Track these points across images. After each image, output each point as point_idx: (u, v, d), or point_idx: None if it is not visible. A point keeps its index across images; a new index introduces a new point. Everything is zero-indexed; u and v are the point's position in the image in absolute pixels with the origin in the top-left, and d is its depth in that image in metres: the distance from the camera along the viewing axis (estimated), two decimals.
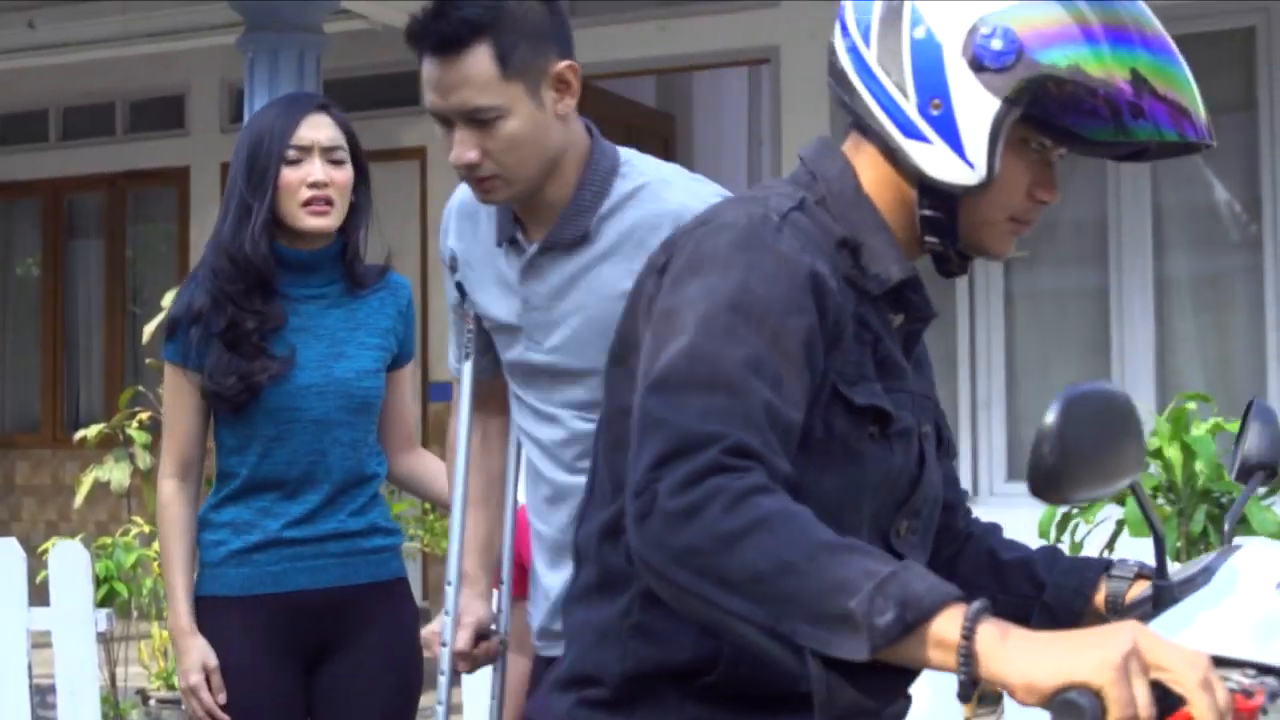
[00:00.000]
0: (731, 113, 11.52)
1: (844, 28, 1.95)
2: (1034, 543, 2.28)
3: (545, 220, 2.71)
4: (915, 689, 1.95)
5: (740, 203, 1.91)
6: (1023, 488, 3.27)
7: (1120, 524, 5.14)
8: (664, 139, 10.60)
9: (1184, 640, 1.65)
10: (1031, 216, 1.95)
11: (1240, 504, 2.10)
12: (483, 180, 2.63)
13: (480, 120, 2.58)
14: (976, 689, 1.56)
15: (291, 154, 3.33)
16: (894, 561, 1.61)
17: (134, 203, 12.08)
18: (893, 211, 1.96)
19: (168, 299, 7.83)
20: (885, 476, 1.93)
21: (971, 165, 1.87)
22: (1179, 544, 5.09)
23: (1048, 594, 2.11)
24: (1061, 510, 5.12)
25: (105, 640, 6.48)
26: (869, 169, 1.97)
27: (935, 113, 1.87)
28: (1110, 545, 5.00)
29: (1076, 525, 5.11)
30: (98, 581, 6.67)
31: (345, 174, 3.40)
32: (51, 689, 5.89)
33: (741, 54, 9.45)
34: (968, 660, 1.54)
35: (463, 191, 2.86)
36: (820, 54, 7.41)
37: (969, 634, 1.55)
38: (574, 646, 1.98)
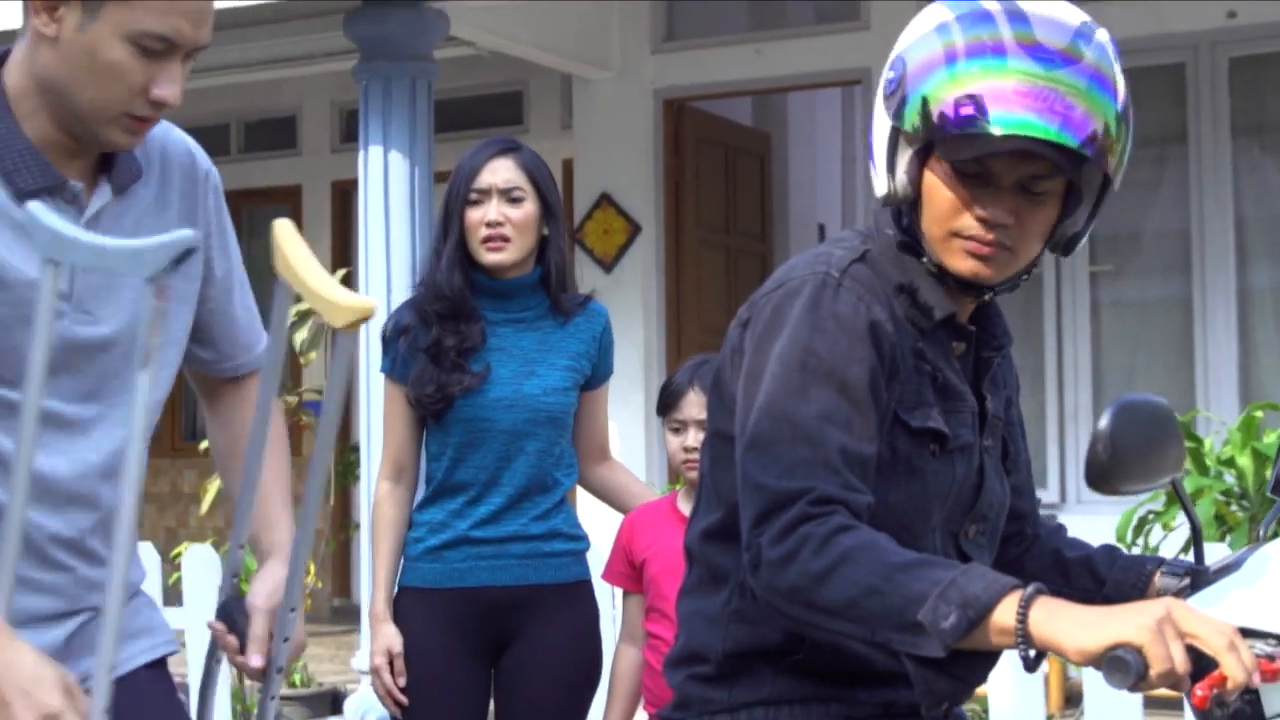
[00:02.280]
0: (825, 130, 11.70)
1: None
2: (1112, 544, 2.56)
3: (73, 159, 2.35)
4: (997, 689, 2.26)
5: (810, 262, 2.20)
6: (1108, 497, 3.57)
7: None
8: (760, 157, 10.74)
9: (1216, 614, 1.95)
10: (975, 231, 2.15)
11: (1272, 517, 2.40)
12: (147, 121, 2.31)
13: (191, 58, 2.29)
14: (1040, 661, 1.89)
15: (473, 196, 3.71)
16: (957, 566, 1.94)
17: (248, 220, 12.27)
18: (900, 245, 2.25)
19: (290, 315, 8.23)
20: (948, 487, 2.22)
21: (881, 178, 2.19)
22: (1250, 547, 5.31)
23: (1107, 588, 2.40)
24: (1138, 516, 5.36)
25: None
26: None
27: (870, 140, 2.21)
28: (1186, 549, 5.23)
29: (1151, 529, 5.33)
30: None
31: (522, 212, 3.73)
32: (184, 688, 6.20)
33: (834, 76, 9.64)
34: (1025, 638, 1.87)
35: None
36: None
37: (1023, 617, 1.87)
38: (684, 630, 2.30)
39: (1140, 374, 8.73)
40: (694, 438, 3.77)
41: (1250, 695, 2.05)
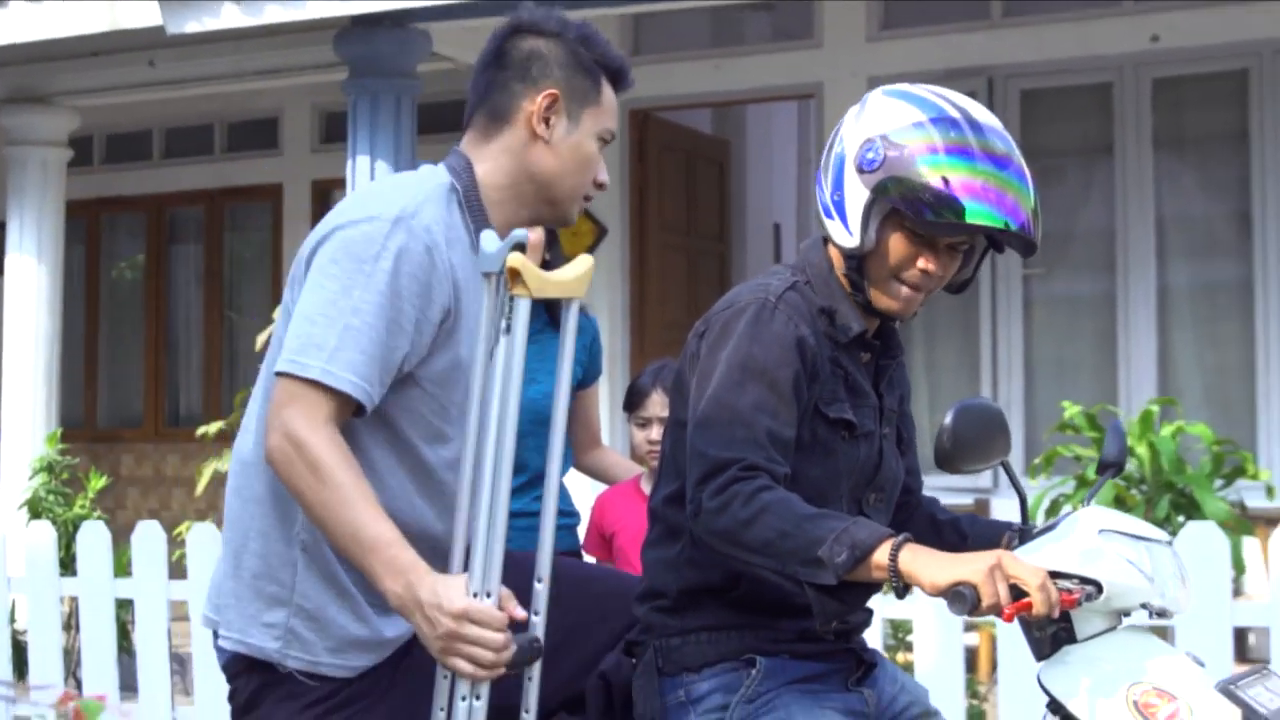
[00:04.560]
0: (781, 138, 12.21)
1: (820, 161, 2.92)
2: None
3: None
4: (922, 647, 2.91)
5: (753, 289, 2.86)
6: (1036, 481, 4.18)
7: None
8: (719, 163, 11.23)
9: (1033, 561, 2.63)
10: (917, 280, 2.84)
11: (1095, 490, 3.07)
12: (589, 200, 3.09)
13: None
14: (907, 591, 2.56)
15: None
16: (848, 518, 2.62)
17: (230, 217, 12.71)
18: (847, 280, 2.88)
19: (278, 312, 8.76)
20: (854, 464, 2.88)
21: (852, 234, 2.81)
22: None
23: (969, 544, 3.05)
24: (1050, 499, 5.99)
25: None
26: (838, 253, 2.89)
27: (836, 199, 2.83)
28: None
29: (1061, 508, 5.95)
30: None
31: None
32: (189, 657, 6.65)
33: (789, 90, 10.21)
34: (895, 573, 2.56)
35: (431, 210, 2.85)
36: (859, 91, 8.45)
37: (894, 557, 2.56)
38: (647, 573, 2.95)
39: (1068, 368, 9.33)
40: (657, 431, 4.41)
41: (1066, 621, 2.72)
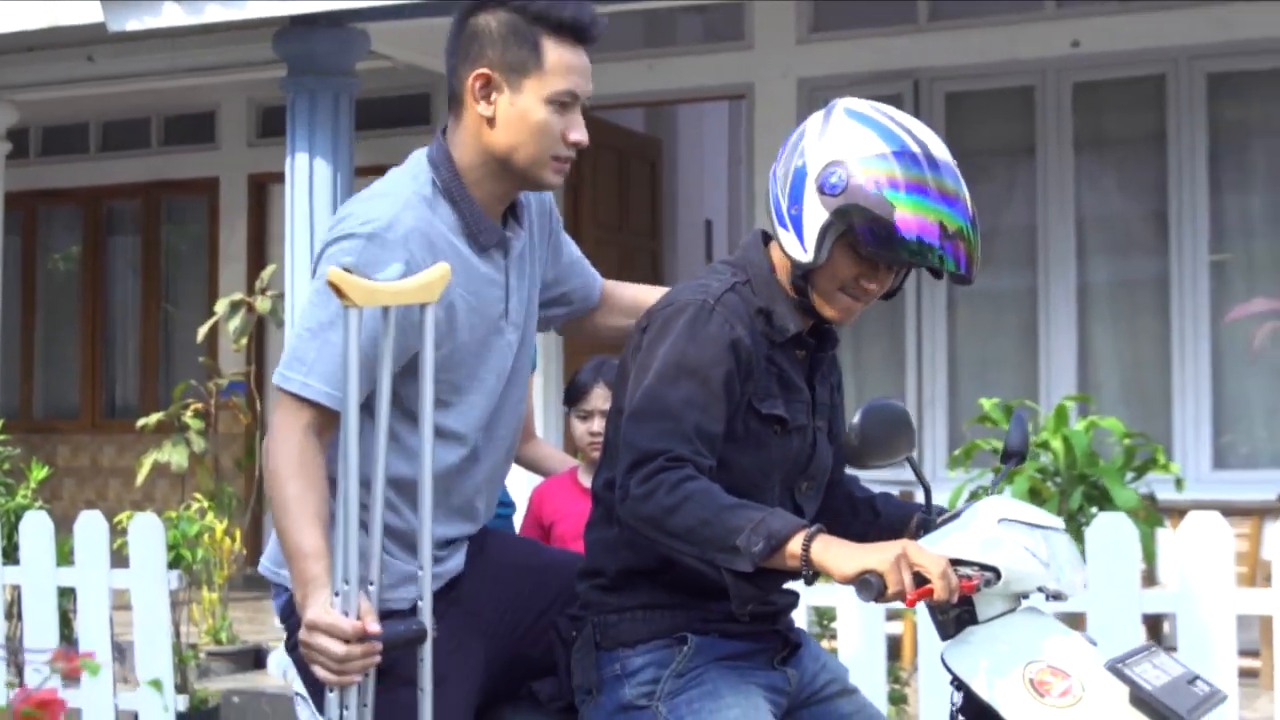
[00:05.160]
0: (713, 136, 12.35)
1: (777, 158, 3.05)
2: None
3: (498, 214, 3.10)
4: (846, 634, 3.08)
5: (693, 289, 3.00)
6: (956, 473, 4.32)
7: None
8: (651, 162, 11.38)
9: (936, 549, 2.82)
10: (859, 294, 3.00)
11: (999, 478, 3.27)
12: (568, 161, 3.05)
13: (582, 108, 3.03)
14: (816, 578, 2.74)
15: None
16: (765, 509, 2.79)
17: (167, 210, 12.77)
18: (790, 285, 3.03)
19: (221, 305, 8.89)
20: (785, 456, 3.05)
21: (806, 250, 2.96)
22: (1061, 517, 6.16)
23: (882, 520, 3.25)
24: (970, 490, 6.19)
25: (173, 599, 7.23)
26: (780, 255, 3.05)
27: (794, 213, 2.96)
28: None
29: (980, 498, 6.16)
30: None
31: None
32: (129, 646, 6.69)
33: (720, 90, 10.39)
34: (807, 562, 2.73)
35: (410, 218, 2.97)
36: (789, 91, 8.70)
37: (806, 547, 2.74)
38: (588, 553, 3.12)
39: (991, 363, 9.55)
40: (598, 424, 4.57)
41: (968, 604, 2.92)
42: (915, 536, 3.08)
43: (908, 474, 3.26)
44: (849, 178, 2.89)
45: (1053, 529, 2.97)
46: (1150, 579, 7.76)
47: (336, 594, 2.81)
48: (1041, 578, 2.90)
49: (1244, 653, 6.74)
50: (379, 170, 10.08)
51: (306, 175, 8.19)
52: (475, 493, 3.18)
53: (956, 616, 2.95)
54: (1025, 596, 2.99)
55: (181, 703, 6.83)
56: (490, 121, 3.00)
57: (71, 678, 2.07)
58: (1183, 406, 9.08)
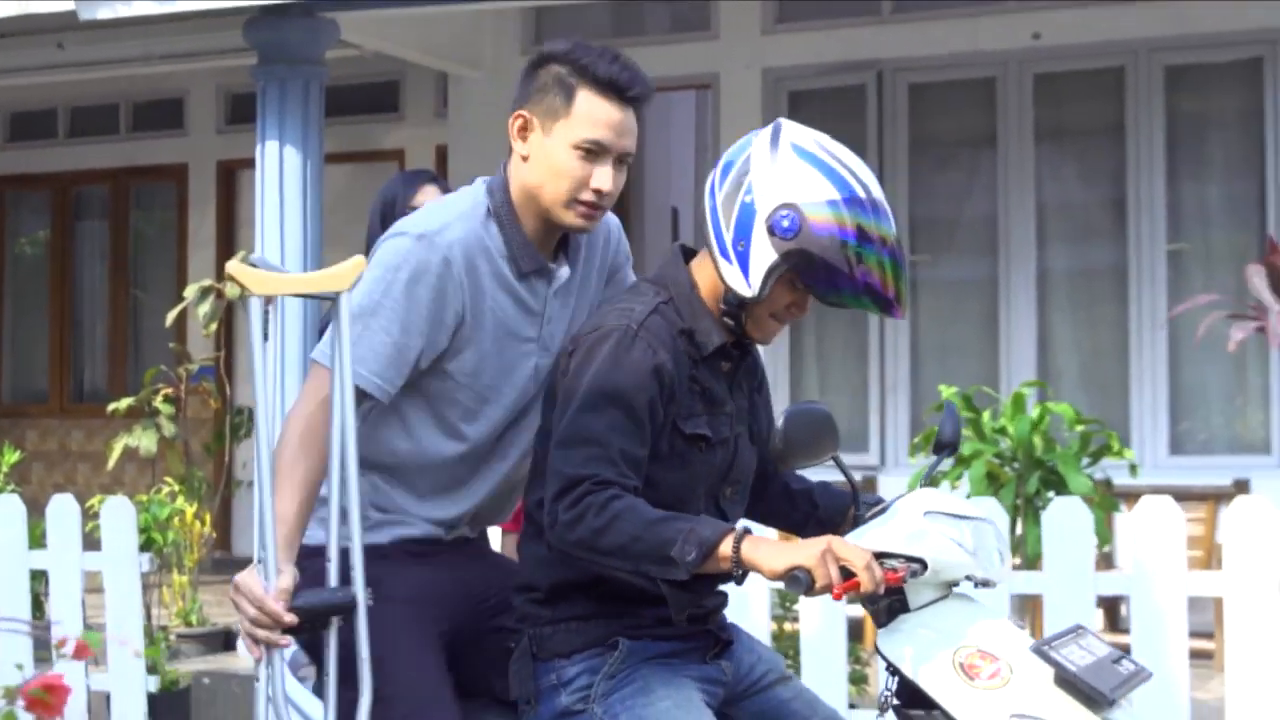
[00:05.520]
0: (680, 124, 12.39)
1: (712, 181, 3.13)
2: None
3: (548, 246, 3.33)
4: (807, 617, 3.19)
5: (618, 315, 3.08)
6: (916, 459, 4.35)
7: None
8: None
9: (862, 543, 2.95)
10: (786, 319, 3.13)
11: (931, 468, 3.39)
12: (599, 209, 3.22)
13: (623, 163, 3.23)
14: (745, 577, 2.89)
15: (409, 211, 4.35)
16: (692, 519, 2.92)
17: (136, 196, 12.83)
18: (715, 302, 3.13)
19: (190, 291, 8.96)
20: (709, 470, 3.16)
21: (750, 286, 3.05)
22: (1018, 501, 6.27)
23: (820, 512, 3.37)
24: (924, 479, 6.29)
25: (144, 582, 7.24)
26: (706, 271, 3.14)
27: (740, 249, 3.04)
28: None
29: (939, 483, 6.28)
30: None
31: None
32: (102, 628, 6.69)
33: (686, 80, 10.42)
34: (738, 563, 2.87)
35: (459, 229, 3.23)
36: (754, 82, 8.83)
37: (736, 549, 2.87)
38: (523, 568, 3.22)
39: (952, 350, 9.68)
40: None
41: (899, 593, 3.03)
42: (854, 524, 3.18)
43: (870, 459, 3.37)
44: (801, 222, 2.99)
45: (979, 519, 3.07)
46: (1109, 563, 7.92)
47: (260, 561, 3.00)
48: (968, 567, 3.02)
49: (1200, 634, 6.90)
50: (348, 157, 10.27)
51: (277, 163, 8.25)
52: (476, 491, 3.36)
53: (889, 605, 3.06)
54: (955, 585, 3.09)
55: (153, 684, 6.91)
56: (525, 159, 3.22)
57: (82, 658, 2.17)
58: (1140, 393, 9.23)
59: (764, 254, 3.03)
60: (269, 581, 2.97)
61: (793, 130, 3.12)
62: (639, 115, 3.25)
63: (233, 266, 3.02)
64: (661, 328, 3.09)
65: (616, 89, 3.18)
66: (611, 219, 3.46)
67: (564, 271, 3.33)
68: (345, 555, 3.11)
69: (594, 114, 3.16)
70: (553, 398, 3.13)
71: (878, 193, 3.06)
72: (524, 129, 3.22)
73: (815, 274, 3.01)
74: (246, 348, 7.05)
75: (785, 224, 3.00)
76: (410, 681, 3.19)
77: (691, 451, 3.11)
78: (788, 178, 3.03)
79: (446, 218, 3.25)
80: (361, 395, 3.14)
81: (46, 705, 2.08)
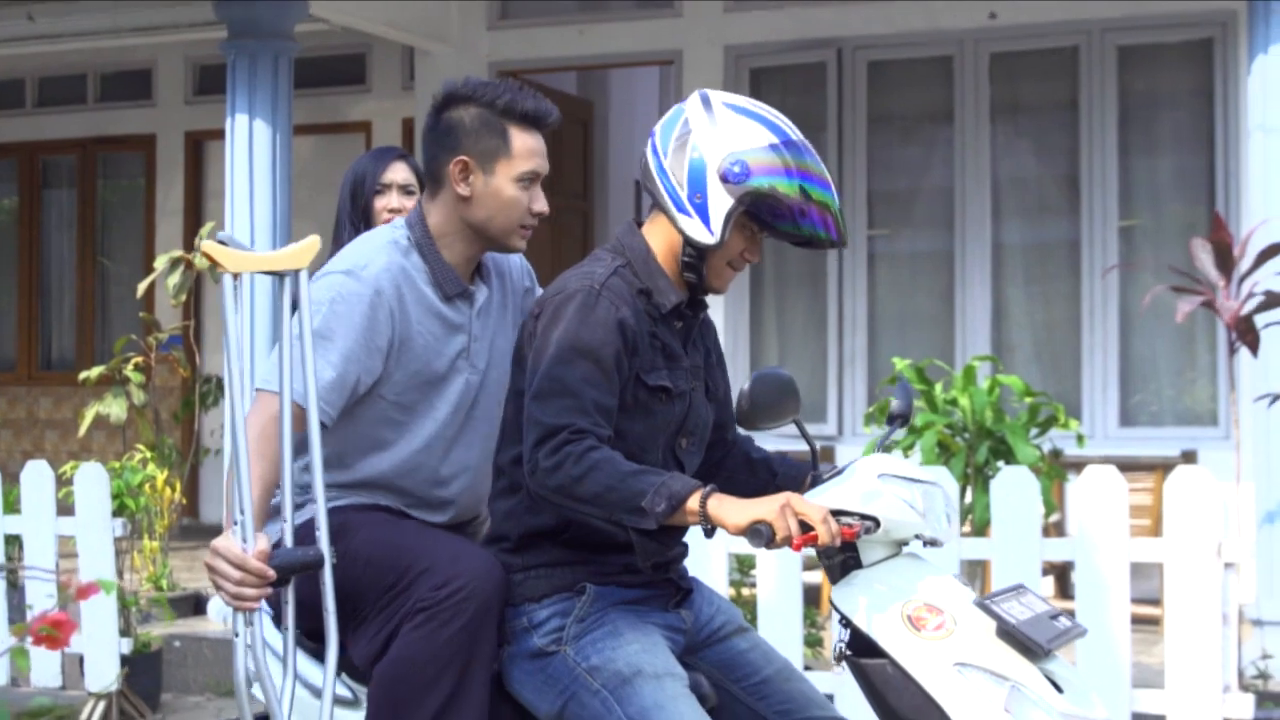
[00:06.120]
0: (644, 99, 12.50)
1: (654, 148, 3.34)
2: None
3: (468, 272, 3.65)
4: (764, 581, 3.38)
5: (579, 276, 3.31)
6: (871, 429, 4.54)
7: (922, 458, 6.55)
8: (583, 123, 11.57)
9: (820, 501, 3.15)
10: (740, 266, 3.37)
11: (884, 438, 3.60)
12: (532, 228, 3.58)
13: (541, 184, 3.58)
14: (714, 531, 3.09)
15: (379, 189, 4.64)
16: (666, 474, 3.11)
17: (103, 165, 12.88)
18: (670, 262, 3.35)
19: (160, 261, 9.07)
20: (670, 420, 3.37)
21: (712, 233, 3.26)
22: (969, 470, 6.47)
23: (779, 480, 3.57)
24: (878, 447, 6.47)
25: (116, 547, 7.33)
26: (659, 234, 3.35)
27: (697, 201, 3.26)
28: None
29: (892, 451, 6.46)
30: None
31: (414, 201, 4.37)
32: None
33: (649, 56, 10.61)
34: (705, 517, 3.07)
35: (382, 260, 3.54)
36: (716, 58, 8.99)
37: (704, 504, 3.07)
38: (493, 521, 3.44)
39: (909, 322, 9.86)
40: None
41: (853, 550, 3.25)
42: (814, 484, 3.37)
43: (828, 429, 3.57)
44: (750, 167, 3.22)
45: (928, 483, 3.29)
46: (1061, 531, 8.13)
47: (236, 523, 3.20)
48: (918, 526, 3.23)
49: (1147, 601, 7.11)
50: (314, 129, 10.38)
51: (246, 136, 8.37)
52: (434, 497, 3.64)
53: (843, 562, 3.28)
54: (905, 543, 3.30)
55: (126, 646, 7.05)
56: (467, 200, 3.52)
57: (83, 599, 2.40)
58: (1091, 366, 9.42)
59: (720, 201, 3.24)
60: (247, 544, 3.17)
61: (718, 94, 3.37)
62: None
63: (208, 245, 3.25)
64: (622, 288, 3.30)
65: (538, 121, 3.52)
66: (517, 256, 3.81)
67: (483, 293, 3.65)
68: (307, 525, 3.40)
69: (528, 147, 3.50)
70: (521, 360, 3.33)
71: (802, 135, 3.32)
72: (465, 173, 3.50)
73: (768, 211, 3.25)
74: (220, 320, 7.21)
75: (736, 170, 3.23)
76: (411, 536, 3.49)
77: (654, 402, 3.31)
78: (729, 131, 3.26)
79: (370, 253, 3.53)
80: (300, 418, 3.36)
81: (54, 639, 2.32)
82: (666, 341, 3.37)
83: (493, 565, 3.34)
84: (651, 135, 3.37)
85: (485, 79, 3.59)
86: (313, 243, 3.39)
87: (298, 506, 3.45)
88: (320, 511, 3.31)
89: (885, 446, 3.62)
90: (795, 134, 3.30)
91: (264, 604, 3.42)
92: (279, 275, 3.38)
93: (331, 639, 3.30)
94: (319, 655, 3.41)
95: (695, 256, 3.34)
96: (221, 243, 3.29)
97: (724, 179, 3.23)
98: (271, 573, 3.19)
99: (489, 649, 3.33)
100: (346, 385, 3.44)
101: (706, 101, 3.34)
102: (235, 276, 3.27)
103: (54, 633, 2.31)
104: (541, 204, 3.54)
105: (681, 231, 3.30)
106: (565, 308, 3.26)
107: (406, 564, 3.37)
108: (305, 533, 3.38)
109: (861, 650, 3.22)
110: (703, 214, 3.26)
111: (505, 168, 3.48)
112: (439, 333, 3.56)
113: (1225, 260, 6.46)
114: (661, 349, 3.35)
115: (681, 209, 3.28)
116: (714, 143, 3.25)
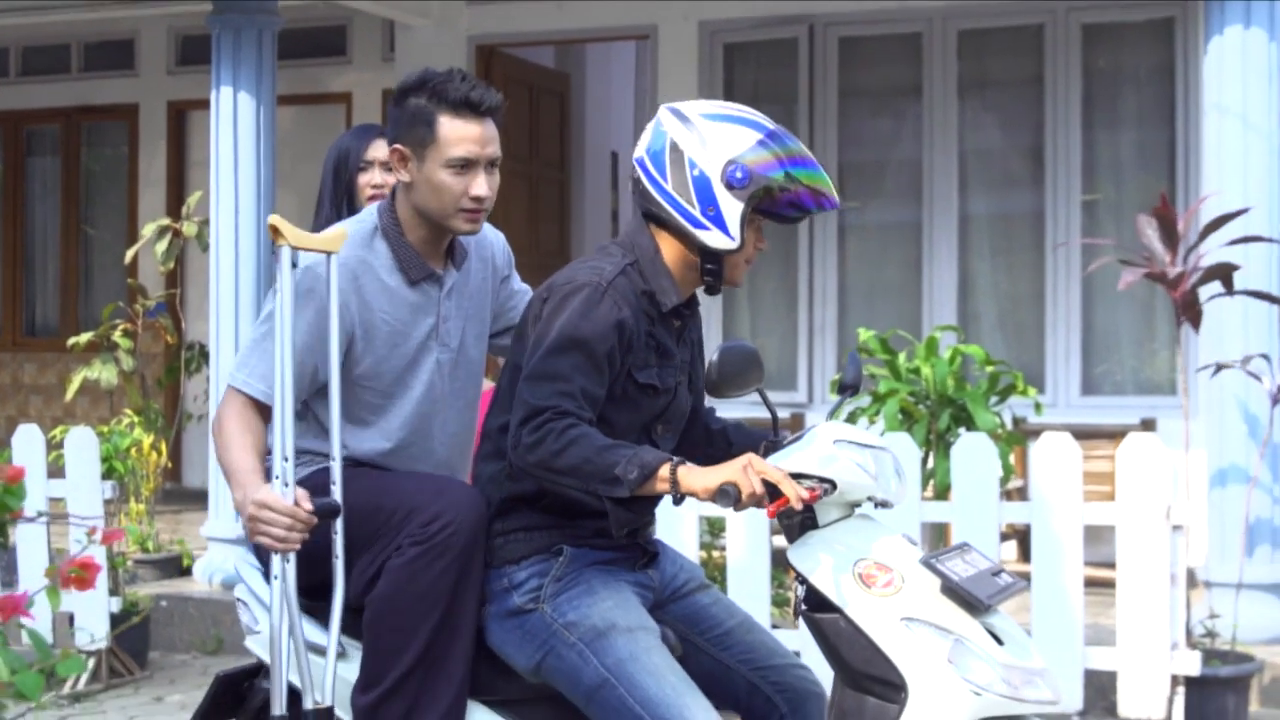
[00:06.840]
0: (620, 71, 12.70)
1: (648, 175, 3.52)
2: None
3: (437, 255, 3.79)
4: (734, 544, 3.63)
5: (589, 269, 3.50)
6: (837, 397, 4.75)
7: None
8: (560, 95, 11.70)
9: (781, 465, 3.35)
10: (753, 259, 3.56)
11: (835, 406, 3.85)
12: (481, 211, 3.67)
13: (493, 166, 3.66)
14: (683, 499, 3.30)
15: (363, 165, 4.74)
16: (639, 448, 3.32)
17: (87, 134, 12.99)
18: (676, 265, 3.54)
19: (148, 229, 9.26)
20: (652, 411, 3.58)
21: (732, 238, 3.46)
22: (931, 437, 6.67)
23: (735, 449, 3.75)
24: (847, 412, 6.70)
25: (105, 510, 7.55)
26: (666, 242, 3.54)
27: (711, 214, 3.46)
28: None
29: (858, 421, 6.66)
30: None
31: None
32: (64, 553, 6.98)
33: (626, 30, 10.78)
34: (675, 485, 3.27)
35: (347, 267, 3.69)
36: (690, 33, 9.22)
37: (674, 474, 3.28)
38: (477, 485, 3.64)
39: (877, 293, 10.07)
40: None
41: (809, 512, 3.46)
42: (774, 449, 3.60)
43: (799, 397, 3.79)
44: (750, 168, 3.42)
45: (880, 448, 3.50)
46: (1024, 497, 8.35)
47: (276, 476, 3.47)
48: (870, 489, 3.45)
49: (1105, 564, 7.33)
50: (295, 100, 10.53)
51: (231, 109, 8.51)
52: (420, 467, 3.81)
53: (799, 522, 3.49)
54: (858, 505, 3.52)
55: (115, 604, 7.27)
56: (410, 186, 3.69)
57: (111, 542, 2.65)
58: (1054, 336, 9.65)
59: (732, 207, 3.44)
60: (287, 493, 3.46)
61: (686, 106, 3.55)
62: (497, 123, 3.67)
63: (275, 219, 3.59)
64: (627, 288, 3.49)
65: (471, 107, 3.60)
66: (498, 237, 3.97)
67: (452, 275, 3.78)
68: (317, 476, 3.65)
69: (457, 133, 3.60)
70: (523, 337, 3.53)
71: (776, 123, 3.52)
72: (402, 160, 3.67)
73: (781, 204, 3.45)
74: (202, 288, 7.29)
75: (738, 175, 3.42)
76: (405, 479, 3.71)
77: (642, 397, 3.52)
78: (717, 139, 3.45)
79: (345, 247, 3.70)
80: (267, 409, 3.61)
81: (82, 580, 2.58)
82: (661, 340, 3.56)
83: (476, 497, 3.56)
84: (639, 162, 3.54)
85: (436, 70, 3.70)
86: (341, 233, 3.66)
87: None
88: (335, 458, 3.60)
89: (847, 416, 3.83)
90: (771, 123, 3.50)
91: (254, 558, 3.68)
92: (326, 254, 3.63)
93: (338, 584, 3.54)
94: (308, 611, 3.62)
95: (716, 262, 3.52)
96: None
97: (729, 185, 3.42)
98: (314, 519, 3.46)
99: (477, 575, 3.53)
100: (304, 374, 3.63)
101: (683, 118, 3.51)
102: (293, 250, 3.60)
103: (83, 574, 2.55)
104: (480, 188, 3.62)
105: (703, 245, 3.48)
106: (571, 298, 3.44)
107: (393, 506, 3.56)
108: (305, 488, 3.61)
109: (817, 605, 3.42)
110: (719, 224, 3.45)
111: (435, 154, 3.60)
112: (405, 317, 3.72)
113: (1170, 234, 6.64)
114: (656, 348, 3.55)
115: (698, 224, 3.47)
116: (709, 154, 3.44)
